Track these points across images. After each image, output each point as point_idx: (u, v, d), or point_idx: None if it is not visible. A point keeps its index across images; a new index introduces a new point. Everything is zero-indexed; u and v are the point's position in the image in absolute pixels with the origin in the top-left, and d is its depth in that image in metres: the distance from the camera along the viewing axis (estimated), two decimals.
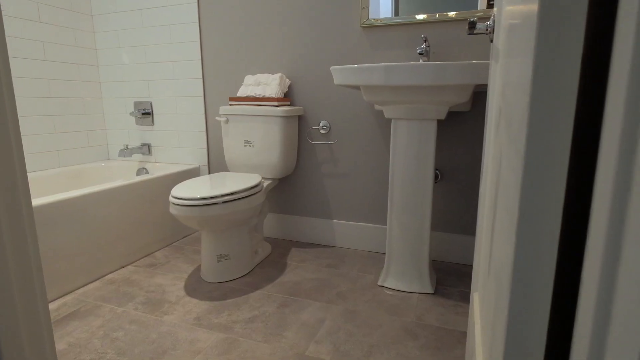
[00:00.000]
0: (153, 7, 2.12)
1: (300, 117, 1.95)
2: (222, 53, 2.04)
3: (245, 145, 1.86)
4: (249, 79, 1.92)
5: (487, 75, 1.22)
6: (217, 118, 1.86)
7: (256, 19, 1.93)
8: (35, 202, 1.40)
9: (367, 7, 1.72)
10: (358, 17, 1.76)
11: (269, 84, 1.85)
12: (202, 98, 2.13)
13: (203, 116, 2.15)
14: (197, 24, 2.04)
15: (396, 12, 1.69)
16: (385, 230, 1.89)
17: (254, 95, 1.85)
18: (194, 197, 1.41)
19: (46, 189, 2.04)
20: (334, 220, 1.99)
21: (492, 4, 1.55)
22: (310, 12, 1.82)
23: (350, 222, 1.95)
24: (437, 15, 1.62)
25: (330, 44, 1.82)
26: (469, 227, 1.75)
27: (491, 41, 0.90)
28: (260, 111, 1.78)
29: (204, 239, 1.60)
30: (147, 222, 1.89)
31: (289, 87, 1.94)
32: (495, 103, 0.82)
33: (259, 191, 1.63)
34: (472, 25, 0.86)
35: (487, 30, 0.86)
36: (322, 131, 1.91)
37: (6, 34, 1.87)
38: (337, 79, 1.40)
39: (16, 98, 1.92)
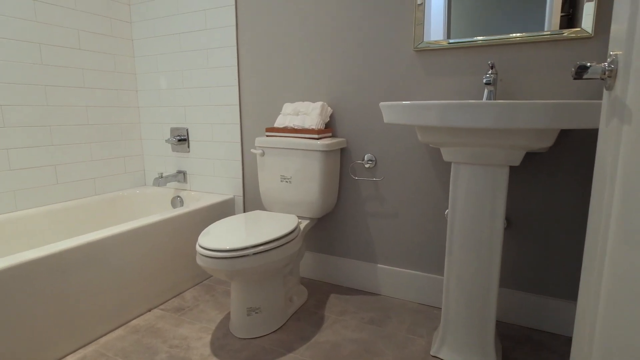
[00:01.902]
0: (191, 30, 2.03)
1: (342, 150, 1.76)
2: (260, 79, 1.90)
3: (281, 181, 1.69)
4: (287, 107, 1.76)
5: (581, 117, 0.96)
6: (252, 150, 1.71)
7: (296, 43, 1.77)
8: (57, 247, 1.30)
9: (422, 28, 1.50)
10: (410, 39, 1.54)
11: (309, 113, 1.68)
12: (239, 126, 2.00)
13: (239, 145, 2.02)
14: (235, 47, 1.92)
15: (448, 34, 1.46)
16: (439, 281, 1.64)
17: (293, 126, 1.68)
18: (222, 249, 1.26)
19: (81, 219, 1.99)
20: (379, 265, 1.76)
21: (568, 19, 1.28)
22: (356, 34, 1.64)
23: (397, 269, 1.72)
24: (504, 37, 1.37)
25: (378, 69, 1.62)
26: (544, 285, 1.46)
27: (607, 89, 0.66)
28: (299, 144, 1.61)
29: (233, 288, 1.44)
30: (177, 260, 1.77)
31: (331, 116, 1.76)
32: (618, 178, 0.58)
33: (295, 237, 1.45)
34: (581, 69, 0.62)
35: (604, 74, 0.63)
36: (366, 166, 1.71)
37: (47, 62, 1.84)
38: (387, 117, 1.19)
39: (56, 127, 1.88)
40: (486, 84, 1.31)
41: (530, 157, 1.42)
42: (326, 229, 1.87)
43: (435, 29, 1.49)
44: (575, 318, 1.13)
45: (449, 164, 1.55)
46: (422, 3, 1.49)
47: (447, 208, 1.59)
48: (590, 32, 1.26)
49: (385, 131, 1.65)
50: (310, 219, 1.70)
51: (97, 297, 1.43)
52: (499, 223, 1.19)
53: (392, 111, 1.17)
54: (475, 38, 1.42)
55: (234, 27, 1.90)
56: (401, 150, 1.63)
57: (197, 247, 1.31)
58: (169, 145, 2.25)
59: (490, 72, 1.33)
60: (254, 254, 1.29)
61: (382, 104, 1.20)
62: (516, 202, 1.47)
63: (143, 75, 2.26)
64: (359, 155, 1.73)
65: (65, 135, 1.95)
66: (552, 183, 1.40)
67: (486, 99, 1.34)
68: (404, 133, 1.62)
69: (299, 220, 1.67)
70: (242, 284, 1.41)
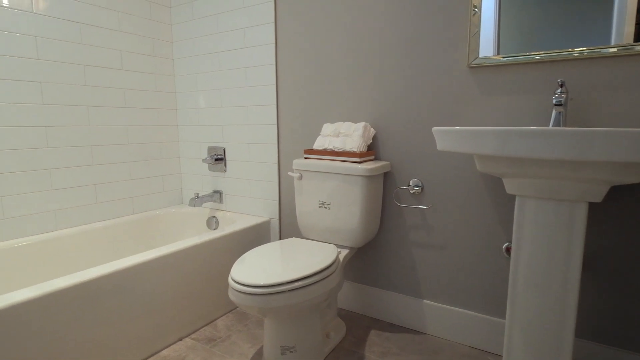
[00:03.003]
0: (231, 49, 1.99)
1: (386, 174, 1.63)
2: (298, 97, 1.82)
3: (320, 206, 1.59)
4: (327, 127, 1.66)
5: None
6: (289, 174, 1.62)
7: (338, 60, 1.68)
8: (88, 275, 1.26)
9: (477, 43, 1.36)
10: (464, 55, 1.41)
11: (351, 135, 1.57)
12: (276, 146, 1.92)
13: (276, 166, 1.94)
14: (274, 65, 1.86)
15: (498, 49, 1.31)
16: (495, 324, 1.46)
17: (333, 148, 1.58)
18: (256, 284, 1.16)
19: (118, 238, 1.97)
20: (425, 301, 1.60)
21: None
22: (402, 50, 1.52)
23: (446, 306, 1.56)
24: (568, 52, 1.21)
25: (426, 87, 1.49)
26: (626, 337, 1.25)
27: None
28: (339, 168, 1.50)
29: (266, 325, 1.34)
30: (210, 286, 1.70)
31: (374, 137, 1.64)
32: None
33: (335, 271, 1.33)
34: None
35: None
36: (412, 192, 1.57)
37: (90, 83, 1.86)
38: (442, 144, 1.06)
39: (97, 147, 1.89)
40: (556, 104, 1.15)
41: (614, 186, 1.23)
42: (367, 258, 1.74)
43: (487, 44, 1.34)
44: None
45: (507, 193, 1.38)
46: (476, 13, 1.35)
47: (505, 242, 1.41)
48: None
49: (433, 155, 1.51)
50: (350, 248, 1.58)
51: (127, 325, 1.37)
52: (576, 265, 1.01)
53: (447, 137, 1.04)
54: (534, 53, 1.27)
55: (273, 45, 1.84)
56: (452, 176, 1.48)
57: (230, 280, 1.22)
58: (206, 164, 2.22)
59: (559, 90, 1.17)
60: (290, 290, 1.18)
61: (435, 129, 1.07)
62: (592, 237, 1.27)
63: (182, 94, 2.25)
64: (404, 180, 1.59)
65: (105, 154, 1.96)
66: (637, 218, 1.20)
67: (554, 122, 1.18)
68: (456, 157, 1.47)
69: (338, 250, 1.55)
70: (276, 321, 1.30)
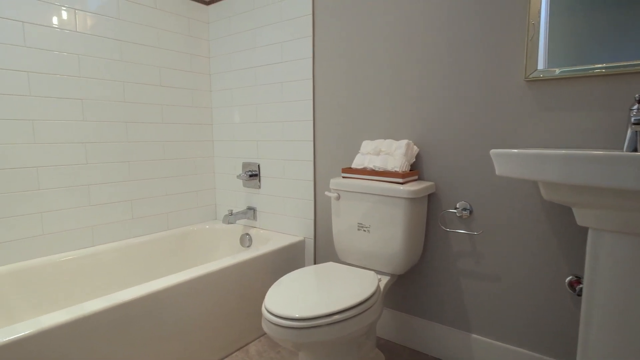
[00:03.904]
0: (267, 64, 1.96)
1: (430, 196, 1.52)
2: (336, 113, 1.75)
3: (358, 229, 1.49)
4: (367, 145, 1.57)
5: None
6: (326, 193, 1.54)
7: (379, 74, 1.59)
8: (120, 298, 1.22)
9: (536, 54, 1.23)
10: (520, 67, 1.28)
11: (392, 153, 1.47)
12: (312, 163, 1.85)
13: (312, 183, 1.86)
14: (311, 80, 1.80)
15: (560, 61, 1.17)
16: None
17: (373, 167, 1.48)
18: (291, 317, 1.07)
19: (153, 254, 1.96)
20: (473, 335, 1.46)
21: None
22: (449, 61, 1.41)
23: (498, 343, 1.40)
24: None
25: (477, 102, 1.37)
26: None
27: None
28: (380, 189, 1.40)
29: (301, 357, 1.25)
30: (242, 308, 1.63)
31: (417, 156, 1.53)
32: None
33: (376, 302, 1.22)
34: None
35: None
36: (459, 215, 1.44)
37: (129, 99, 1.87)
38: (501, 168, 0.94)
39: (134, 162, 1.89)
40: (634, 123, 1.00)
41: None
42: (409, 285, 1.62)
43: (548, 55, 1.21)
44: None
45: (571, 218, 1.23)
46: (535, 21, 1.22)
47: (569, 275, 1.26)
48: None
49: (484, 175, 1.38)
50: (391, 275, 1.47)
51: (158, 349, 1.32)
52: None
53: (508, 162, 0.92)
54: (605, 65, 1.12)
55: (311, 59, 1.78)
56: (505, 200, 1.34)
57: (263, 310, 1.14)
58: (240, 180, 2.18)
59: (636, 107, 1.02)
60: (327, 324, 1.09)
61: (494, 152, 0.95)
62: None
63: (218, 109, 2.24)
64: (451, 202, 1.47)
65: (142, 170, 1.96)
66: None
67: (629, 143, 1.03)
68: (510, 179, 1.33)
69: (379, 277, 1.44)
70: (311, 355, 1.21)
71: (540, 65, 1.23)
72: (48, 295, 1.60)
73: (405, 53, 1.51)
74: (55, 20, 1.60)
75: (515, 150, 0.89)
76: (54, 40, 1.60)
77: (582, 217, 0.93)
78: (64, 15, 1.63)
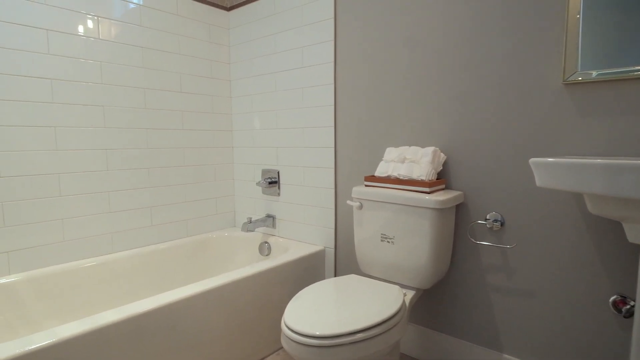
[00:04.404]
0: (287, 69, 1.92)
1: (458, 206, 1.44)
2: (358, 119, 1.69)
3: (382, 240, 1.42)
4: (390, 152, 1.50)
5: None
6: (348, 202, 1.48)
7: (403, 78, 1.53)
8: (135, 309, 1.19)
9: (575, 55, 1.15)
10: (558, 69, 1.19)
11: (418, 161, 1.40)
12: (333, 171, 1.79)
13: (332, 191, 1.81)
14: (332, 85, 1.75)
15: (602, 62, 1.08)
16: None
17: (397, 176, 1.41)
18: (311, 335, 1.01)
19: (172, 262, 1.94)
20: (506, 356, 1.36)
21: None
22: (478, 64, 1.34)
23: None
24: None
25: (509, 107, 1.29)
26: None
27: None
28: (405, 199, 1.33)
29: None
30: (260, 320, 1.58)
31: (444, 163, 1.46)
32: None
33: (401, 320, 1.15)
34: None
35: None
36: (490, 227, 1.36)
37: (150, 106, 1.87)
38: (542, 179, 0.86)
39: (154, 169, 1.88)
40: None
41: None
42: (435, 300, 1.54)
43: (589, 56, 1.12)
44: None
45: (616, 233, 1.13)
46: (575, 19, 1.14)
47: (613, 294, 1.15)
48: None
49: (518, 185, 1.29)
50: (417, 289, 1.39)
51: None
52: None
53: (550, 171, 0.84)
54: None
55: (332, 64, 1.74)
56: (542, 210, 1.25)
57: (283, 326, 1.09)
58: (260, 187, 2.15)
59: None
60: (350, 343, 1.02)
61: (534, 161, 0.87)
62: None
63: (238, 115, 2.21)
64: (480, 213, 1.38)
65: (162, 177, 1.95)
66: None
67: None
68: (552, 189, 1.25)
69: (404, 291, 1.37)
70: None
71: (582, 67, 1.14)
72: (67, 302, 1.59)
73: (431, 56, 1.45)
74: (78, 28, 1.61)
75: (559, 160, 0.82)
76: (77, 48, 1.61)
77: (633, 233, 0.84)
78: (88, 23, 1.63)
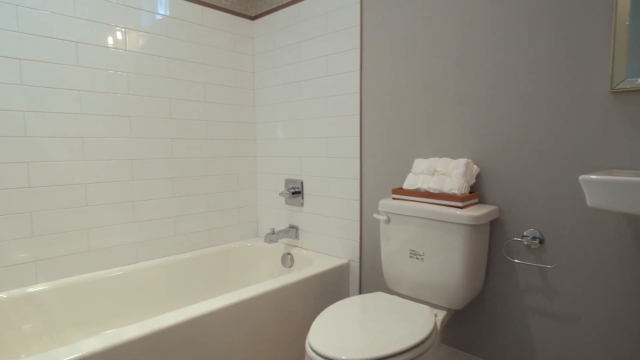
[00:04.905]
0: (312, 78, 1.89)
1: (493, 221, 1.35)
2: (385, 128, 1.63)
3: (410, 256, 1.35)
4: (419, 164, 1.44)
5: None
6: (375, 216, 1.42)
7: (433, 86, 1.47)
8: (156, 325, 1.16)
9: (624, 61, 1.06)
10: (604, 76, 1.11)
11: (449, 173, 1.33)
12: (358, 182, 1.74)
13: (357, 203, 1.75)
14: (358, 94, 1.70)
15: (631, 72, 0.99)
16: None
17: (427, 189, 1.35)
18: (337, 359, 0.96)
19: (194, 272, 1.92)
20: None
21: None
22: (516, 70, 1.26)
23: None
24: None
25: (549, 116, 1.21)
26: None
27: None
28: (436, 213, 1.26)
29: None
30: (282, 335, 1.54)
31: (477, 176, 1.38)
32: None
33: (432, 345, 1.08)
34: None
35: None
36: (527, 243, 1.27)
37: (175, 116, 1.87)
38: (595, 198, 0.79)
39: (178, 179, 1.88)
40: None
41: None
42: (467, 320, 1.45)
43: (637, 62, 1.03)
44: None
45: None
46: (624, 24, 1.05)
47: None
48: None
49: (559, 200, 1.20)
50: (448, 309, 1.31)
51: None
52: None
53: (605, 190, 0.76)
54: None
55: (358, 73, 1.69)
56: (588, 228, 1.16)
57: (307, 348, 1.04)
58: (283, 197, 2.11)
59: None
60: None
61: (585, 178, 0.79)
62: None
63: (262, 124, 2.19)
64: (517, 229, 1.30)
65: (186, 186, 1.94)
66: None
67: None
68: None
69: (434, 312, 1.29)
70: None
71: (631, 74, 1.05)
72: (91, 312, 1.59)
73: (463, 62, 1.38)
74: (107, 40, 1.63)
75: (618, 178, 0.74)
76: (105, 60, 1.63)
77: None
78: (116, 35, 1.65)
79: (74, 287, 1.56)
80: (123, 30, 1.67)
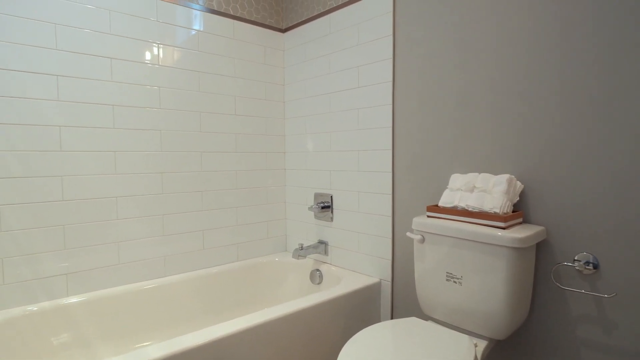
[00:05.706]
0: (342, 90, 1.84)
1: (539, 243, 1.24)
2: (419, 142, 1.55)
3: (447, 279, 1.26)
4: (456, 179, 1.35)
5: None
6: (409, 235, 1.34)
7: (473, 98, 1.38)
8: (180, 345, 1.13)
9: None
10: None
11: (490, 190, 1.23)
12: (390, 197, 1.66)
13: (389, 219, 1.67)
14: (390, 106, 1.64)
15: None
16: None
17: (465, 207, 1.25)
18: None
19: (222, 287, 1.90)
20: None
21: None
22: (566, 78, 1.16)
23: None
24: None
25: (604, 126, 1.09)
26: None
27: None
28: (475, 234, 1.17)
29: None
30: (309, 356, 1.47)
31: (521, 193, 1.28)
32: None
33: None
34: None
35: None
36: (579, 269, 1.15)
37: (205, 129, 1.87)
38: None
39: (207, 192, 1.87)
40: None
41: None
42: (511, 352, 1.33)
43: None
44: None
45: None
46: None
47: None
48: None
49: (615, 219, 1.08)
50: (490, 339, 1.20)
51: None
52: None
53: None
54: None
55: (390, 84, 1.63)
56: None
57: None
58: (312, 212, 2.06)
59: None
60: None
61: None
62: None
63: (291, 137, 2.17)
64: (568, 253, 1.18)
65: (214, 199, 1.93)
66: None
67: None
68: None
69: (474, 341, 1.19)
70: None
71: None
72: (120, 326, 1.59)
73: (506, 72, 1.29)
74: (142, 55, 1.65)
75: None
76: (138, 75, 1.65)
77: None
78: (150, 50, 1.67)
79: (103, 300, 1.57)
80: (156, 45, 1.70)
